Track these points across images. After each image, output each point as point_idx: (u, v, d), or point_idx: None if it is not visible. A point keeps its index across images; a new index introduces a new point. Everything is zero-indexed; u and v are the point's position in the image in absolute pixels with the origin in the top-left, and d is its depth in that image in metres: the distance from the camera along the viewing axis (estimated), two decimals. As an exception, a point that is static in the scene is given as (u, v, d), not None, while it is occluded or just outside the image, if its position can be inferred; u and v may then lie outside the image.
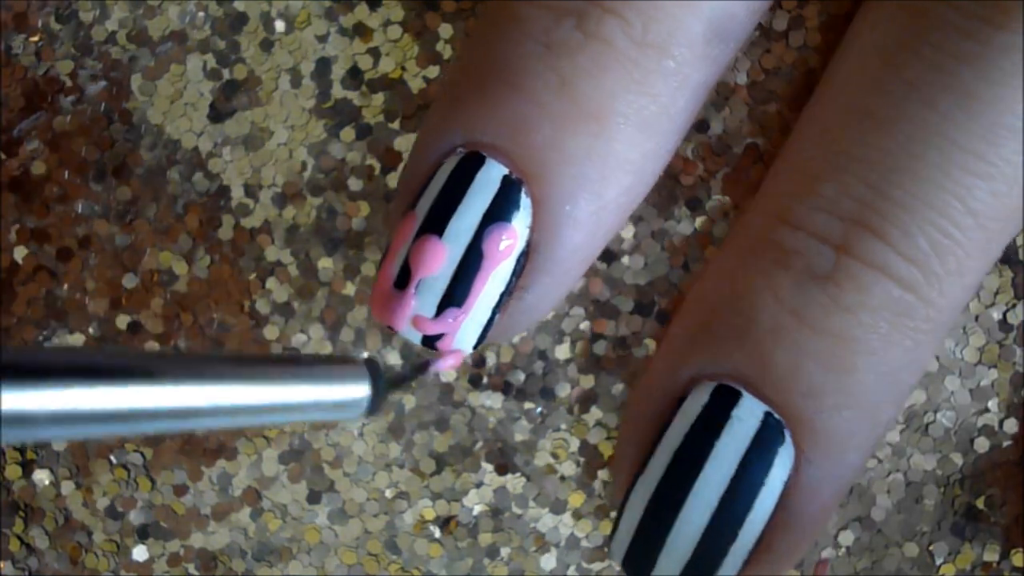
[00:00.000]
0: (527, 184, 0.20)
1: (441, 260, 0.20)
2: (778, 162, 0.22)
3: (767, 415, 0.20)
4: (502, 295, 0.20)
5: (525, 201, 0.20)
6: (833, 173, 0.20)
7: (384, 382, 0.18)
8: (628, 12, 0.20)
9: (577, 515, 0.24)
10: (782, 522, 0.20)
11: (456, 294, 0.20)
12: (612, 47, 0.20)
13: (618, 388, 0.24)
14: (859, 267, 0.20)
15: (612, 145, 0.20)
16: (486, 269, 0.20)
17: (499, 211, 0.20)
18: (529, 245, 0.20)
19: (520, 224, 0.20)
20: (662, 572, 0.20)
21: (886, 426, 0.21)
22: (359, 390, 0.17)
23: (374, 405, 0.17)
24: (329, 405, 0.16)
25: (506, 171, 0.20)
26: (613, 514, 0.24)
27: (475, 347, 0.21)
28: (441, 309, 0.20)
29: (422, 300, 0.20)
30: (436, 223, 0.20)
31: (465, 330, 0.20)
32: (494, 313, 0.20)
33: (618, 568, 0.24)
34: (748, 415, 0.20)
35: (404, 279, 0.20)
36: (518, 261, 0.20)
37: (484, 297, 0.20)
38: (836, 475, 0.20)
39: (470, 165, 0.20)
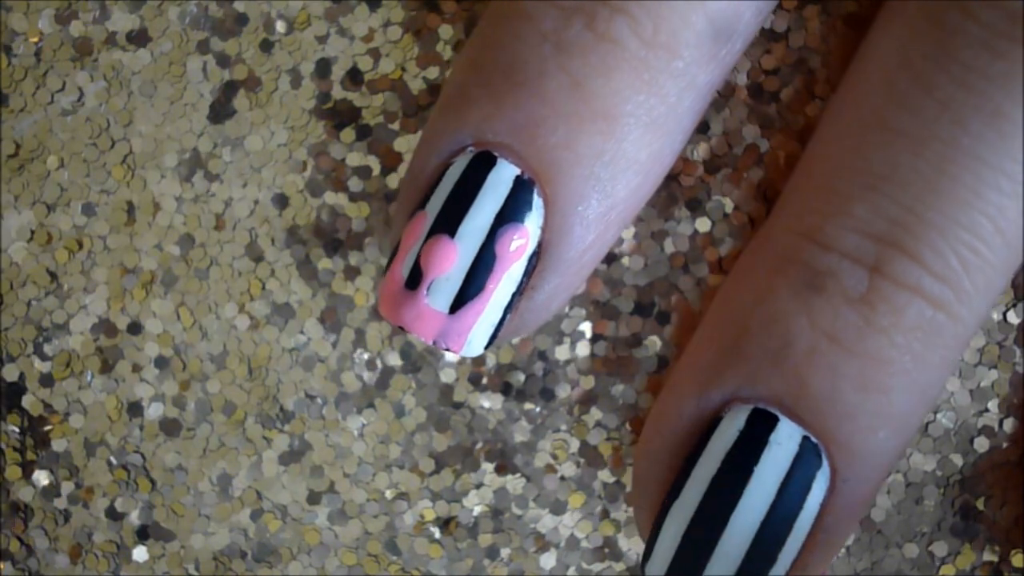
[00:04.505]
0: (539, 184, 0.20)
1: (453, 260, 0.20)
2: (800, 176, 0.22)
3: (805, 439, 0.20)
4: (513, 295, 0.20)
5: (537, 201, 0.20)
6: (864, 193, 0.20)
7: None
8: (638, 12, 0.20)
9: (577, 516, 0.24)
10: (817, 541, 0.20)
11: (468, 295, 0.20)
12: (622, 47, 0.20)
13: (618, 389, 0.24)
14: (892, 288, 0.19)
15: (622, 145, 0.20)
16: (499, 270, 0.20)
17: (511, 211, 0.20)
18: (540, 245, 0.20)
19: (532, 224, 0.20)
20: None
21: (911, 439, 0.21)
22: None
23: None
24: None
25: (518, 171, 0.20)
26: (613, 516, 0.24)
27: (486, 347, 0.20)
28: (453, 310, 0.20)
29: (434, 301, 0.20)
30: (448, 223, 0.20)
31: (477, 331, 0.20)
32: (506, 313, 0.20)
33: (619, 570, 0.24)
34: (787, 439, 0.20)
35: (415, 279, 0.20)
36: (529, 261, 0.20)
37: (496, 297, 0.20)
38: (868, 491, 0.20)
39: (482, 165, 0.20)
